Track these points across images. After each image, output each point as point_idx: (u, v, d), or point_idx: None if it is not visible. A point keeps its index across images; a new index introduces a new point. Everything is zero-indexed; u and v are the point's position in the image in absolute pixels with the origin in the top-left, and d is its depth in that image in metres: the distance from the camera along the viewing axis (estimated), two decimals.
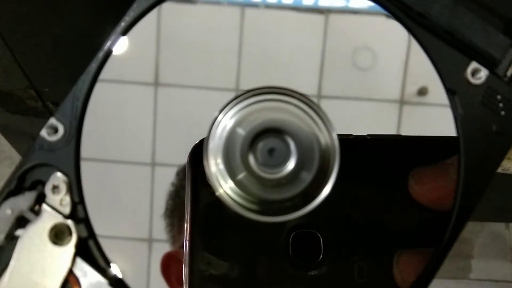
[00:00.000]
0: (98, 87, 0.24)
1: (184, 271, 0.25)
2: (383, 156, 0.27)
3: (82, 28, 0.37)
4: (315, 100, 0.26)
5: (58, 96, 0.46)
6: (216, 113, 0.25)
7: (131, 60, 0.29)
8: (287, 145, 0.24)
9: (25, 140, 0.55)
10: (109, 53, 0.24)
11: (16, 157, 0.61)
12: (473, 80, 0.24)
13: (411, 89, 0.29)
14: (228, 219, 0.26)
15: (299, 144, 0.24)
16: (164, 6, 0.30)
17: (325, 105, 0.28)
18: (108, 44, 0.24)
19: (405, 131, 0.29)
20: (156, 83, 0.31)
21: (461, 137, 0.24)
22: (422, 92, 0.28)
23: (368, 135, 0.26)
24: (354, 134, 0.26)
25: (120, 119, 0.28)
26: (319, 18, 0.30)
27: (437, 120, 0.27)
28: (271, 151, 0.24)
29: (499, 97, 0.24)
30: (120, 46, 0.25)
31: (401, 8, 0.24)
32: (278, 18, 0.31)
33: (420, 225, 0.26)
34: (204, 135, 0.25)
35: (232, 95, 0.26)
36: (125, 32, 0.24)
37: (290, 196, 0.24)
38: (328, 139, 0.24)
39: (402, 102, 0.30)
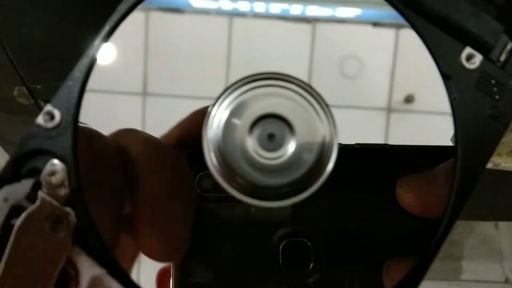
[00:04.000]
0: (86, 97, 0.23)
1: (172, 282, 0.26)
2: (371, 165, 0.27)
3: (75, 24, 0.37)
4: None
5: (50, 94, 0.45)
6: (209, 107, 0.25)
7: (119, 70, 0.29)
8: (286, 129, 0.24)
9: (16, 142, 0.54)
10: (103, 40, 0.24)
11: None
12: (468, 65, 0.25)
13: (398, 96, 0.30)
14: (216, 226, 0.26)
15: (298, 126, 0.24)
16: (152, 15, 0.30)
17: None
18: (98, 41, 0.24)
19: (393, 138, 0.29)
20: (144, 93, 0.31)
21: (457, 121, 0.24)
22: (409, 99, 0.29)
23: (357, 144, 0.27)
24: (342, 142, 0.26)
25: (108, 129, 0.27)
26: (306, 27, 0.31)
27: (424, 126, 0.28)
28: (270, 136, 0.24)
29: (493, 81, 0.25)
30: (107, 56, 0.25)
31: None
32: (266, 27, 0.32)
33: (409, 233, 0.27)
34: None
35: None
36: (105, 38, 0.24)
37: (291, 180, 0.24)
38: (325, 120, 0.24)
39: (389, 109, 0.30)
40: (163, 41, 0.31)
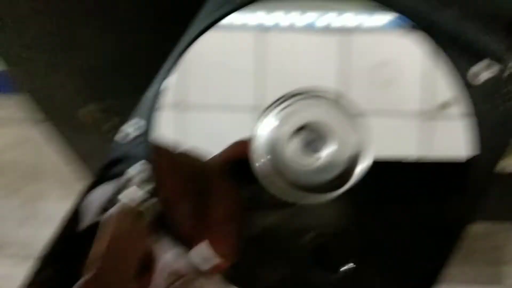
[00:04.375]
0: None
1: None
2: (399, 177, 0.30)
3: (139, 51, 0.43)
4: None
5: (114, 112, 0.52)
6: (261, 115, 0.30)
7: None
8: (322, 137, 0.28)
9: (83, 152, 0.61)
10: (172, 67, 0.29)
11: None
12: (480, 78, 0.28)
13: (432, 104, 0.31)
14: (258, 231, 0.30)
15: (333, 135, 0.28)
16: None
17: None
18: (170, 63, 0.29)
19: (427, 146, 0.31)
20: (181, 105, 0.33)
21: (474, 129, 0.28)
22: (444, 106, 0.31)
23: (389, 157, 0.30)
24: (377, 150, 0.29)
25: None
26: (334, 38, 0.32)
27: (460, 134, 0.29)
28: (309, 143, 0.28)
29: (505, 90, 0.28)
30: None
31: (414, 17, 0.29)
32: (293, 40, 0.33)
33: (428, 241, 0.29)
34: None
35: (250, 115, 0.30)
36: (181, 54, 0.29)
37: (326, 181, 0.28)
38: (356, 130, 0.28)
39: (424, 116, 0.32)
40: (196, 55, 0.34)
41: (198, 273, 0.28)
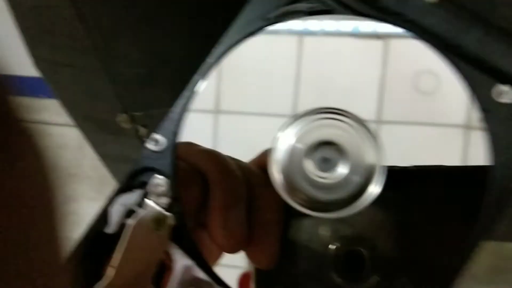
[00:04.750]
0: None
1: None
2: (426, 187, 0.30)
3: (175, 61, 0.45)
4: (374, 124, 0.31)
5: (147, 120, 0.54)
6: (277, 132, 0.31)
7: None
8: (338, 155, 0.29)
9: (113, 154, 0.64)
10: (198, 82, 0.31)
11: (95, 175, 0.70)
12: (502, 99, 0.28)
13: (477, 113, 0.31)
14: (288, 239, 0.31)
15: (350, 153, 0.29)
16: None
17: (386, 129, 0.31)
18: (198, 78, 0.30)
19: (472, 157, 0.31)
20: (217, 111, 0.34)
21: (493, 150, 0.28)
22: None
23: (414, 166, 0.30)
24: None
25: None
26: (378, 44, 0.32)
27: None
28: (326, 160, 0.29)
29: None
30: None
31: (437, 40, 0.29)
32: (336, 45, 0.33)
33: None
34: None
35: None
36: (210, 68, 0.30)
37: (342, 197, 0.29)
38: (373, 149, 0.29)
39: (468, 126, 0.31)
40: (235, 59, 0.34)
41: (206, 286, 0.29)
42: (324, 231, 0.31)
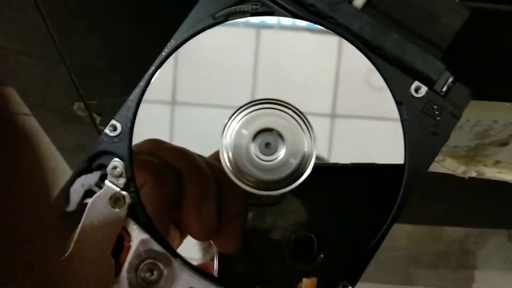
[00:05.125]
0: None
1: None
2: (355, 181, 0.34)
3: (131, 52, 0.48)
4: (329, 118, 0.34)
5: (102, 108, 0.56)
6: (226, 120, 0.34)
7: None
8: (278, 140, 0.33)
9: (68, 142, 0.65)
10: (153, 74, 0.34)
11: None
12: (416, 95, 0.33)
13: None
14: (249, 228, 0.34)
15: (288, 139, 0.33)
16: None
17: (339, 123, 0.34)
18: (151, 70, 0.33)
19: None
20: (173, 102, 0.34)
21: (406, 137, 0.33)
22: None
23: (352, 163, 0.34)
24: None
25: (138, 137, 0.33)
26: (333, 39, 0.34)
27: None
28: (267, 145, 0.33)
29: (435, 107, 0.33)
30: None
31: (363, 42, 0.33)
32: (293, 38, 0.34)
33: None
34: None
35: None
36: (164, 60, 0.33)
37: (282, 177, 0.33)
38: (309, 138, 0.33)
39: None
40: (192, 52, 0.34)
41: (162, 258, 0.32)
42: (279, 220, 0.35)
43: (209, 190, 0.33)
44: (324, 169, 0.33)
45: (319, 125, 0.34)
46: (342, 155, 0.34)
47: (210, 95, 0.35)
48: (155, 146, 0.34)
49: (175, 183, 0.32)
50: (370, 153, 0.34)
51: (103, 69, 0.50)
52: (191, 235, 0.33)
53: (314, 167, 0.33)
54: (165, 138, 0.34)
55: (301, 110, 0.34)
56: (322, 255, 0.33)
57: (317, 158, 0.33)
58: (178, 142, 0.34)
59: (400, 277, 1.26)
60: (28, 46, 0.48)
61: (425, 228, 1.27)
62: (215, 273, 0.33)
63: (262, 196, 0.33)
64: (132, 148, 0.32)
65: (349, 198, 0.34)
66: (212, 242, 0.33)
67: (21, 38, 0.47)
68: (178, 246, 0.34)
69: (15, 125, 0.17)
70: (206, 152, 0.34)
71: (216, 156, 0.34)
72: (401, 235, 1.24)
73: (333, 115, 0.34)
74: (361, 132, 0.34)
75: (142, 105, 0.33)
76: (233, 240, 0.33)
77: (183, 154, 0.33)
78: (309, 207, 0.34)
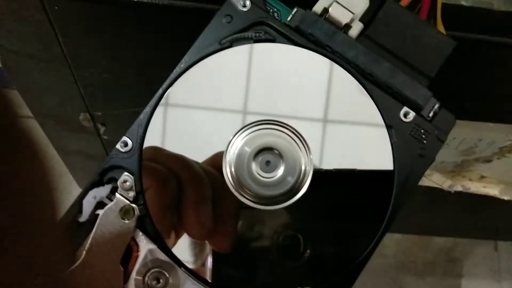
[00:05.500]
0: None
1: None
2: (341, 187, 0.37)
3: (138, 68, 0.50)
4: (321, 124, 0.36)
5: (106, 119, 0.58)
6: (230, 137, 0.37)
7: None
8: (278, 159, 0.36)
9: (71, 149, 0.67)
10: (162, 95, 0.36)
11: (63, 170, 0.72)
12: (405, 119, 0.36)
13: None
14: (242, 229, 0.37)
15: (286, 158, 0.36)
16: None
17: (331, 129, 0.36)
18: (161, 90, 0.36)
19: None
20: (166, 104, 0.36)
21: (395, 157, 0.35)
22: None
23: (335, 169, 0.36)
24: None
25: None
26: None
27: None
28: (267, 163, 0.36)
29: (422, 131, 0.36)
30: None
31: (356, 69, 0.36)
32: (285, 49, 0.35)
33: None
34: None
35: (239, 116, 0.36)
36: (173, 82, 0.36)
37: (280, 194, 0.36)
38: (306, 157, 0.36)
39: None
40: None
41: (167, 267, 0.34)
42: (269, 222, 0.37)
43: (206, 194, 0.35)
44: (319, 181, 0.36)
45: (311, 130, 0.36)
46: (333, 160, 0.36)
47: (202, 98, 0.37)
48: (155, 153, 0.36)
49: (175, 187, 0.35)
50: (360, 158, 0.36)
51: (109, 82, 0.52)
52: (189, 235, 0.35)
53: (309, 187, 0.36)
54: (157, 140, 0.36)
55: (294, 115, 0.36)
56: (308, 251, 0.36)
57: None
58: (169, 144, 0.36)
59: (388, 285, 1.29)
60: (39, 59, 0.50)
61: (413, 237, 1.30)
62: (208, 275, 0.35)
63: None
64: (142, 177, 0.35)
65: (337, 204, 0.37)
66: (207, 241, 0.36)
67: (30, 47, 0.49)
68: (173, 246, 0.36)
69: (15, 127, 0.17)
70: (199, 155, 0.36)
71: (210, 161, 0.36)
72: (389, 243, 1.27)
73: (325, 120, 0.36)
74: (351, 138, 0.37)
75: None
76: (226, 239, 0.36)
77: (181, 160, 0.36)
78: (298, 208, 0.36)
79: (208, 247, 0.36)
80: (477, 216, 0.89)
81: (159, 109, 0.36)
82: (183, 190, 0.35)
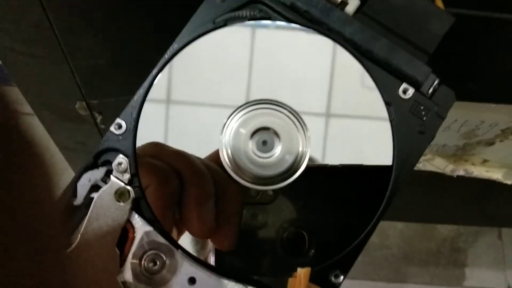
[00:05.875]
0: None
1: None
2: (345, 182, 0.36)
3: (132, 54, 0.49)
4: (324, 118, 0.36)
5: (102, 107, 0.58)
6: (224, 119, 0.36)
7: None
8: (275, 138, 0.35)
9: (69, 140, 0.67)
10: (156, 75, 0.35)
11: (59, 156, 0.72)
12: (404, 96, 0.35)
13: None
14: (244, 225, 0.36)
15: (283, 137, 0.35)
16: None
17: (333, 123, 0.35)
18: (155, 70, 0.35)
19: None
20: (168, 100, 0.35)
21: (395, 135, 0.35)
22: None
23: (340, 164, 0.35)
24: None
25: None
26: (327, 39, 0.34)
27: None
28: (264, 142, 0.35)
29: (422, 107, 0.35)
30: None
31: (354, 46, 0.35)
32: (287, 38, 0.35)
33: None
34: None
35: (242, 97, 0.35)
36: (167, 63, 0.35)
37: (278, 173, 0.35)
38: (302, 133, 0.35)
39: None
40: (187, 51, 0.35)
41: (164, 249, 0.34)
42: (272, 218, 0.36)
43: (209, 192, 0.35)
44: (315, 170, 0.35)
45: (313, 124, 0.36)
46: (336, 154, 0.36)
47: (204, 94, 0.36)
48: (157, 149, 0.36)
49: (177, 184, 0.34)
50: (362, 152, 0.36)
51: (104, 69, 0.51)
52: (191, 234, 0.35)
53: (306, 168, 0.35)
54: (160, 137, 0.36)
55: (296, 109, 0.36)
56: (313, 251, 0.35)
57: (310, 159, 0.35)
58: (172, 140, 0.35)
59: (392, 275, 1.28)
60: (31, 46, 0.50)
61: (417, 227, 1.29)
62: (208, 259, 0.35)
63: (257, 195, 0.35)
64: (136, 150, 0.34)
65: (339, 197, 0.36)
66: (209, 239, 0.35)
67: (26, 38, 0.49)
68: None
69: (15, 125, 0.17)
70: (201, 151, 0.36)
71: (212, 157, 0.36)
72: (393, 233, 1.27)
73: (327, 114, 0.36)
74: (354, 131, 0.36)
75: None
76: (229, 238, 0.35)
77: (183, 157, 0.35)
78: (301, 205, 0.36)
79: (211, 245, 0.35)
80: (482, 203, 0.88)
81: (154, 92, 0.35)
82: (184, 187, 0.34)
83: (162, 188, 0.34)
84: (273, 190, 0.35)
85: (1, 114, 0.17)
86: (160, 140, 0.36)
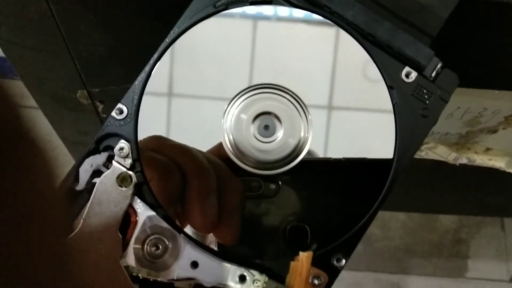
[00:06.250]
0: None
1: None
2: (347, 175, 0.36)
3: (133, 41, 0.49)
4: (326, 110, 0.35)
5: (104, 96, 0.58)
6: (225, 105, 0.36)
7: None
8: (276, 122, 0.35)
9: (72, 131, 0.67)
10: (157, 60, 0.35)
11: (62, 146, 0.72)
12: (406, 80, 0.35)
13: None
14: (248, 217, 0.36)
15: (285, 121, 0.35)
16: None
17: (336, 115, 0.35)
18: (157, 54, 0.35)
19: None
20: (170, 94, 0.35)
21: (397, 119, 0.34)
22: None
23: (344, 158, 0.35)
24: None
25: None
26: (330, 31, 0.34)
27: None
28: (266, 127, 0.35)
29: (425, 91, 0.35)
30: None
31: (356, 29, 0.35)
32: (289, 30, 0.35)
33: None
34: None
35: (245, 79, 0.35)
36: (168, 47, 0.35)
37: (281, 158, 0.35)
38: (304, 117, 0.35)
39: None
40: (189, 43, 0.34)
41: (166, 233, 0.34)
42: (275, 211, 0.36)
43: (211, 186, 0.34)
44: (317, 163, 0.35)
45: (315, 116, 0.35)
46: (338, 146, 0.35)
47: (206, 87, 0.36)
48: (159, 142, 0.35)
49: (180, 178, 0.34)
50: (365, 144, 0.36)
51: (105, 57, 0.51)
52: (193, 228, 0.35)
53: (307, 162, 0.35)
54: (162, 129, 0.35)
55: (299, 82, 0.35)
56: (315, 245, 0.35)
57: (311, 153, 0.35)
58: (174, 133, 0.35)
59: (395, 266, 1.29)
60: (32, 35, 0.49)
61: (419, 218, 1.29)
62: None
63: (260, 189, 0.35)
64: (138, 144, 0.34)
65: (342, 190, 0.36)
66: (212, 233, 0.35)
67: (27, 28, 0.49)
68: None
69: (17, 119, 0.17)
70: (203, 143, 0.35)
71: (215, 150, 0.36)
72: (395, 225, 1.27)
73: (329, 107, 0.36)
74: (357, 124, 0.36)
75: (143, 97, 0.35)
76: (232, 232, 0.35)
77: (186, 151, 0.35)
78: (304, 199, 0.36)
79: (213, 238, 0.35)
80: (484, 192, 0.88)
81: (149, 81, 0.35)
82: (187, 181, 0.34)
83: (164, 182, 0.34)
84: (276, 184, 0.35)
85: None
86: (162, 132, 0.36)
